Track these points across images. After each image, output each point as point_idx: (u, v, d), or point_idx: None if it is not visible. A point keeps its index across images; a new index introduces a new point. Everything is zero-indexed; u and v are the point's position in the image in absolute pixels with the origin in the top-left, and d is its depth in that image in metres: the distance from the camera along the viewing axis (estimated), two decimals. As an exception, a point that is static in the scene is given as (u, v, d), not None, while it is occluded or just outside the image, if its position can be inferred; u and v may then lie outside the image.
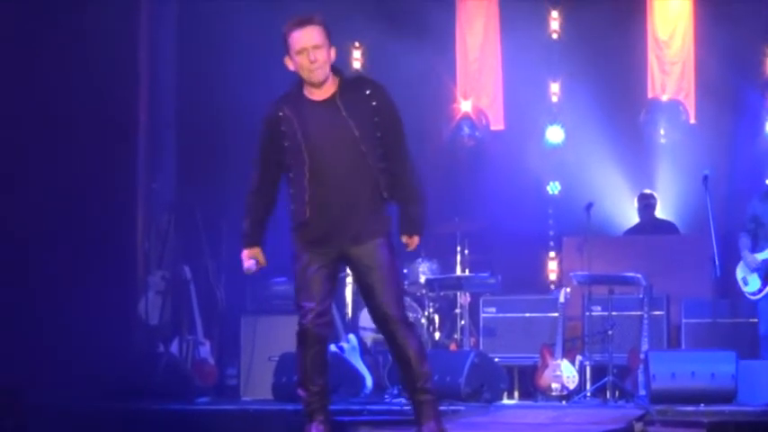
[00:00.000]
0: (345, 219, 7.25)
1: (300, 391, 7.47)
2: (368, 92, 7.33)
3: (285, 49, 7.37)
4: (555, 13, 16.55)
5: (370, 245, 7.26)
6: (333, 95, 7.31)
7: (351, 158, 7.23)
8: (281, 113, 7.35)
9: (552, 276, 16.22)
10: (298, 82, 7.40)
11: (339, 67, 7.43)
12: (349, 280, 14.28)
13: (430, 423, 7.34)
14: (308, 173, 7.24)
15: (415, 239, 7.41)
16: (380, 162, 7.27)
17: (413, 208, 7.37)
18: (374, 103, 7.31)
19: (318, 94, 7.33)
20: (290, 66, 7.35)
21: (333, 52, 7.35)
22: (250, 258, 7.57)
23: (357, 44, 16.73)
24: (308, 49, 7.22)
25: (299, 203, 7.29)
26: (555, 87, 16.61)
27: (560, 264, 15.76)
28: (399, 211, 7.40)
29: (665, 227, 15.48)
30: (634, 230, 15.47)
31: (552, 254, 16.36)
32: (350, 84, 7.38)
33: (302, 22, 7.30)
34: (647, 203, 15.45)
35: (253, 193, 7.55)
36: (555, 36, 16.58)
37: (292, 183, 7.35)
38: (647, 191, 15.63)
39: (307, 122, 7.27)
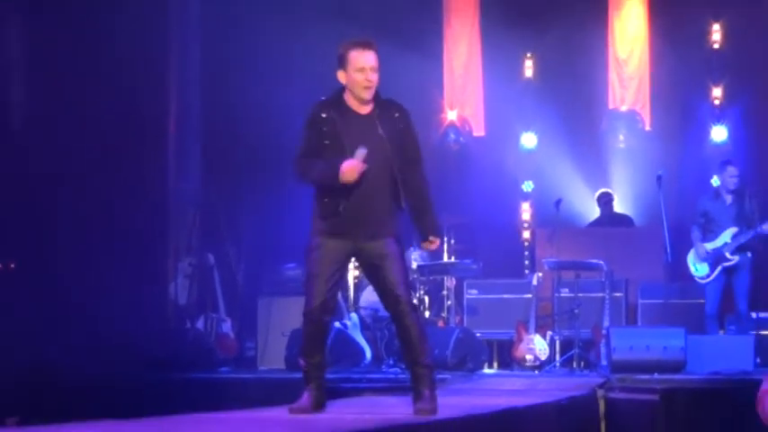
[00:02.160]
0: (366, 217, 7.21)
1: (301, 361, 7.49)
2: (397, 114, 7.30)
3: (341, 63, 7.28)
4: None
5: (383, 241, 7.23)
6: (371, 112, 7.28)
7: (379, 168, 7.18)
8: (324, 115, 7.27)
9: (526, 263, 16.24)
10: (338, 92, 7.35)
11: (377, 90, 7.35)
12: (350, 266, 14.30)
13: (425, 392, 7.31)
14: None
15: (437, 241, 7.45)
16: (400, 174, 7.26)
17: (431, 216, 7.40)
18: (401, 126, 7.30)
19: (361, 109, 7.28)
20: (343, 79, 7.29)
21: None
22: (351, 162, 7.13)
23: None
24: (367, 70, 7.21)
25: (333, 197, 7.19)
26: (529, 99, 16.64)
27: (533, 252, 15.78)
28: (418, 218, 7.40)
29: (623, 220, 15.54)
30: (596, 223, 15.51)
31: (526, 243, 16.40)
32: (384, 105, 7.32)
33: (365, 45, 7.26)
34: (606, 200, 15.51)
35: (303, 163, 7.33)
36: (528, 55, 16.62)
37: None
38: (605, 189, 15.68)
39: (350, 130, 7.20)
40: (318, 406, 7.37)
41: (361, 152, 7.08)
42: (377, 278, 7.35)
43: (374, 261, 7.28)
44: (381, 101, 7.35)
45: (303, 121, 7.44)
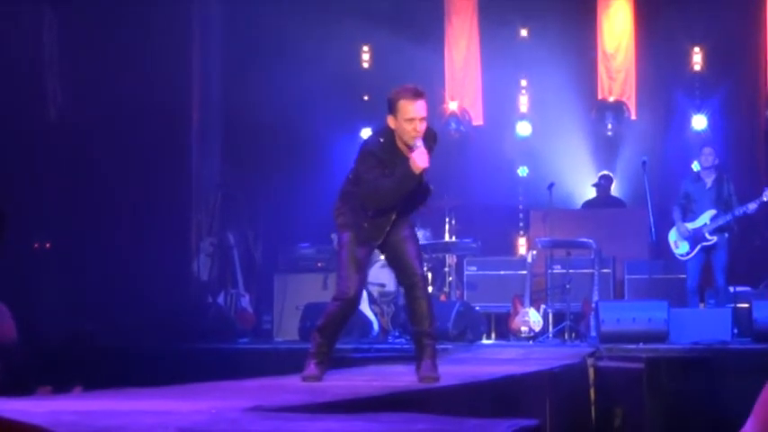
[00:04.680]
0: (387, 227, 7.24)
1: (317, 335, 7.45)
2: (431, 144, 7.16)
3: (391, 110, 7.06)
4: (523, 32, 16.53)
5: (399, 228, 7.29)
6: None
7: (409, 195, 7.19)
8: (381, 157, 7.08)
9: (521, 241, 16.23)
10: (390, 134, 7.12)
11: None
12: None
13: (429, 361, 7.32)
14: (382, 202, 7.17)
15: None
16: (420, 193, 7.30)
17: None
18: (432, 153, 7.15)
19: (407, 151, 7.05)
20: (392, 124, 7.06)
21: None
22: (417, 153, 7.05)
23: (366, 47, 16.79)
24: (417, 120, 6.99)
25: (363, 214, 7.22)
26: (524, 91, 16.61)
27: (528, 231, 15.77)
28: None
29: (617, 203, 15.50)
30: (591, 203, 15.49)
31: (521, 224, 16.36)
32: (425, 138, 7.10)
33: (417, 95, 7.03)
34: (604, 182, 15.43)
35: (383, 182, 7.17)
36: (523, 50, 16.56)
37: (364, 196, 7.20)
38: (605, 172, 15.63)
39: (395, 172, 7.04)
40: (323, 375, 7.39)
41: (419, 144, 6.99)
42: (395, 256, 7.42)
43: (393, 245, 7.34)
44: (424, 135, 7.13)
45: (361, 153, 7.24)
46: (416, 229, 13.46)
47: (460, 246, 14.16)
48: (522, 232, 16.36)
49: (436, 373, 7.27)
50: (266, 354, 12.03)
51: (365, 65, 16.81)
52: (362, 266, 7.38)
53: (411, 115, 7.01)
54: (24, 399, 5.71)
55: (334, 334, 7.48)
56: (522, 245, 16.22)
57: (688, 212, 12.95)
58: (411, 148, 7.08)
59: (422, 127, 7.03)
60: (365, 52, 16.85)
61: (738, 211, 12.59)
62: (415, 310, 7.39)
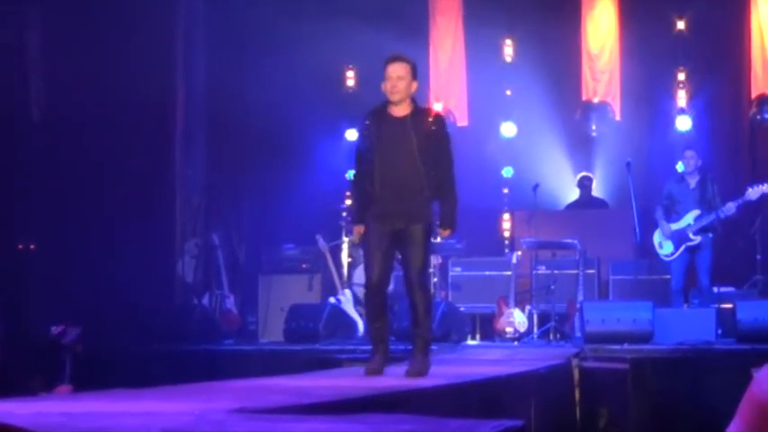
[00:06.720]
0: (400, 204, 7.84)
1: (369, 328, 8.18)
2: (430, 119, 7.98)
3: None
4: (508, 33, 16.53)
5: (412, 227, 7.84)
6: (406, 116, 7.90)
7: (409, 163, 7.83)
8: (367, 122, 8.00)
9: (506, 216, 16.14)
10: (384, 101, 8.00)
11: (415, 99, 8.06)
12: (344, 247, 14.30)
13: (417, 356, 7.89)
14: (378, 168, 7.85)
15: (448, 231, 8.10)
16: (431, 170, 7.86)
17: (446, 210, 8.07)
18: (433, 128, 7.94)
19: (397, 112, 7.92)
20: (383, 87, 7.97)
21: (414, 86, 8.03)
22: (359, 232, 8.06)
23: (350, 66, 16.75)
24: (392, 78, 7.91)
25: (372, 188, 7.87)
26: (508, 91, 16.58)
27: (512, 232, 15.75)
28: (439, 209, 8.08)
29: (599, 203, 15.52)
30: (573, 205, 15.50)
31: (506, 225, 16.32)
32: (420, 111, 8.04)
33: (392, 58, 8.04)
34: (585, 183, 15.48)
35: (355, 183, 8.24)
36: (508, 51, 16.55)
37: (369, 173, 7.92)
38: (585, 173, 15.65)
39: (383, 132, 7.88)
40: (382, 367, 7.92)
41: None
42: (401, 257, 8.01)
43: (402, 242, 7.91)
44: (419, 108, 8.07)
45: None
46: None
47: (445, 246, 14.14)
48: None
49: (421, 368, 7.72)
50: (251, 355, 12.05)
51: (350, 65, 16.75)
52: (384, 253, 7.91)
53: (387, 74, 7.97)
54: (17, 399, 5.70)
55: (375, 320, 8.07)
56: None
57: (672, 213, 12.97)
58: (401, 115, 7.89)
59: (397, 84, 7.89)
60: (350, 69, 16.77)
61: (722, 213, 12.62)
62: (412, 310, 8.02)
